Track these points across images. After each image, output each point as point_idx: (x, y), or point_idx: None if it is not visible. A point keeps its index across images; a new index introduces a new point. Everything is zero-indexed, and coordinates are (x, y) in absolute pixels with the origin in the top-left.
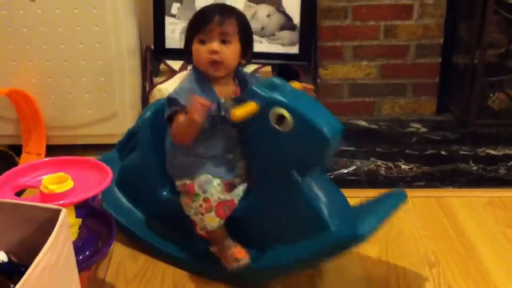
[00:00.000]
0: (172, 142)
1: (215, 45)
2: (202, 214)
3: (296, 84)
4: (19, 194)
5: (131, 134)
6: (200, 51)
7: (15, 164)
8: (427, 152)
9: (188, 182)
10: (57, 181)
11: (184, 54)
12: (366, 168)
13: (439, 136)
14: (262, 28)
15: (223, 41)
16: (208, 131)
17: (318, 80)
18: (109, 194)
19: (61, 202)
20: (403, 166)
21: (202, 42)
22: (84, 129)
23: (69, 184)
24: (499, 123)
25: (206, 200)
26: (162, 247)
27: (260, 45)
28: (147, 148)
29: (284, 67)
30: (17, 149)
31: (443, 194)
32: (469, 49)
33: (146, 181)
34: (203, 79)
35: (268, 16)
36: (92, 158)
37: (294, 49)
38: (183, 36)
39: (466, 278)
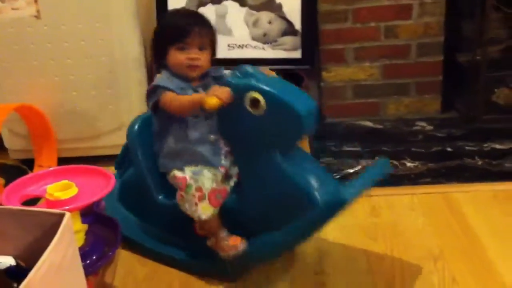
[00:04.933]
0: (162, 134)
1: (196, 52)
2: (196, 204)
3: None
4: (27, 203)
5: (125, 150)
6: (180, 57)
7: None
8: (432, 150)
9: (179, 174)
10: (61, 189)
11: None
12: None
13: (445, 133)
14: (264, 35)
15: (200, 48)
16: (194, 116)
17: (322, 84)
18: (113, 209)
19: (66, 207)
20: (408, 164)
21: (181, 49)
22: (94, 141)
23: (73, 191)
24: (504, 118)
25: (198, 189)
26: (166, 252)
27: (263, 52)
28: (140, 158)
29: (288, 72)
30: (30, 163)
31: (449, 189)
32: (471, 45)
33: (144, 191)
34: (180, 75)
35: (270, 22)
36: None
37: (297, 54)
38: None
39: (471, 271)
